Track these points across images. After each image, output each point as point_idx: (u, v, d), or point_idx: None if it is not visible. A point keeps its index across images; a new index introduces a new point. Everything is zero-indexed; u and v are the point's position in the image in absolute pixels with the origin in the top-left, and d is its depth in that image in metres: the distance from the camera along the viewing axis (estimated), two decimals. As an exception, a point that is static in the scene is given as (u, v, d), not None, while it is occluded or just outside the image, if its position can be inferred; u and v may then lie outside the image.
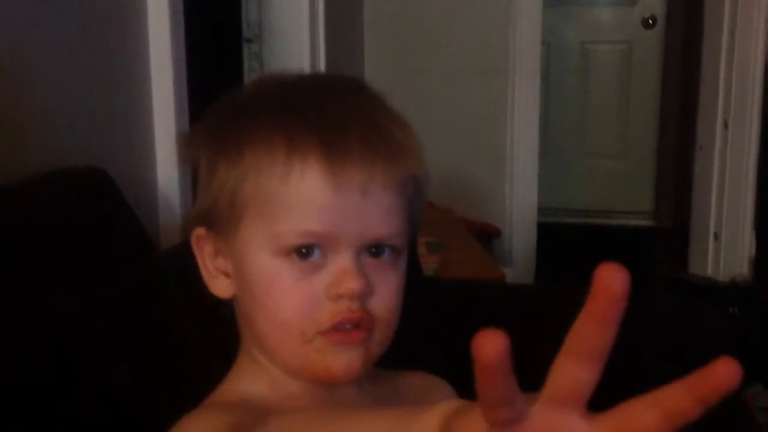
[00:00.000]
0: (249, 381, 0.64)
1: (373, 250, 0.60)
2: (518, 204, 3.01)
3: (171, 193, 1.53)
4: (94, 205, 1.05)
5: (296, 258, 0.58)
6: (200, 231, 0.63)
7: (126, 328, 0.79)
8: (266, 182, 0.58)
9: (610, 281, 0.30)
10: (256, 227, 0.59)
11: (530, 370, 1.02)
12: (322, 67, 2.27)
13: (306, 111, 0.59)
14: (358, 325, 0.59)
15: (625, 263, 0.31)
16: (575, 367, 0.32)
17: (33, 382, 0.68)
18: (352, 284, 0.58)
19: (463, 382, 0.75)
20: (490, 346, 0.29)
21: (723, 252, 2.96)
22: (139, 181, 1.45)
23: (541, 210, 3.13)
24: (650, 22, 4.01)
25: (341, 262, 0.58)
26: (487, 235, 2.87)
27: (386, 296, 0.61)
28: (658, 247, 3.83)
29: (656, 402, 0.31)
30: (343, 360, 0.60)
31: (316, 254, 0.58)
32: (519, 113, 2.96)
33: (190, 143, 0.65)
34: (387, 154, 0.58)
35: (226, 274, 0.63)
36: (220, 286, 0.64)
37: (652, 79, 4.06)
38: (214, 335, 0.84)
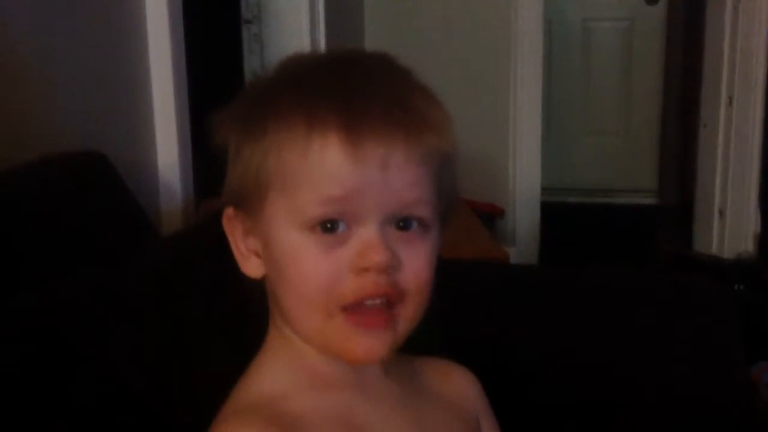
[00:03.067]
0: (280, 364, 0.64)
1: (401, 223, 0.60)
2: (521, 183, 3.00)
3: (171, 178, 1.52)
4: (94, 190, 1.05)
5: (321, 232, 0.58)
6: (230, 211, 0.65)
7: (130, 316, 0.78)
8: (287, 157, 0.58)
9: None
10: (280, 203, 0.59)
11: (533, 347, 1.01)
12: (322, 48, 2.26)
13: (327, 86, 0.59)
14: (385, 302, 0.59)
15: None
16: None
17: (35, 370, 0.68)
18: (377, 257, 0.58)
19: (466, 362, 0.75)
20: None
21: (728, 229, 2.95)
22: (139, 166, 1.45)
23: (545, 189, 3.12)
24: (653, -2, 3.98)
25: (365, 234, 0.58)
26: (491, 215, 2.86)
27: (415, 270, 0.60)
28: (662, 225, 3.82)
29: None
30: (365, 344, 0.60)
31: (341, 227, 0.58)
32: (521, 92, 2.94)
33: (219, 127, 0.65)
34: (409, 128, 0.58)
35: (257, 254, 0.64)
36: (252, 266, 0.64)
37: (655, 56, 4.03)
38: (221, 319, 0.84)
